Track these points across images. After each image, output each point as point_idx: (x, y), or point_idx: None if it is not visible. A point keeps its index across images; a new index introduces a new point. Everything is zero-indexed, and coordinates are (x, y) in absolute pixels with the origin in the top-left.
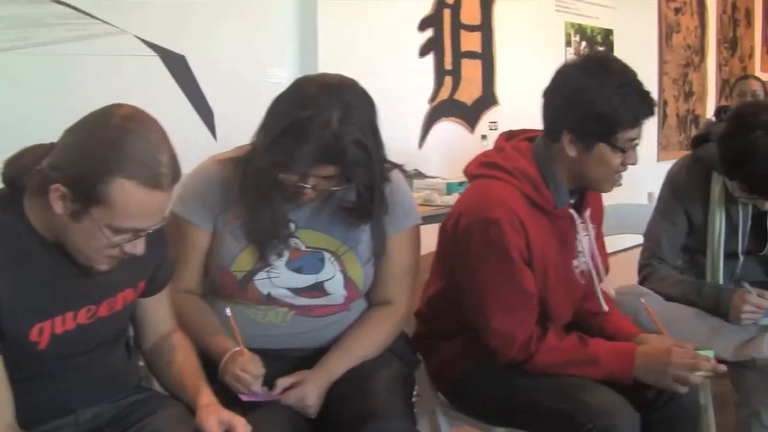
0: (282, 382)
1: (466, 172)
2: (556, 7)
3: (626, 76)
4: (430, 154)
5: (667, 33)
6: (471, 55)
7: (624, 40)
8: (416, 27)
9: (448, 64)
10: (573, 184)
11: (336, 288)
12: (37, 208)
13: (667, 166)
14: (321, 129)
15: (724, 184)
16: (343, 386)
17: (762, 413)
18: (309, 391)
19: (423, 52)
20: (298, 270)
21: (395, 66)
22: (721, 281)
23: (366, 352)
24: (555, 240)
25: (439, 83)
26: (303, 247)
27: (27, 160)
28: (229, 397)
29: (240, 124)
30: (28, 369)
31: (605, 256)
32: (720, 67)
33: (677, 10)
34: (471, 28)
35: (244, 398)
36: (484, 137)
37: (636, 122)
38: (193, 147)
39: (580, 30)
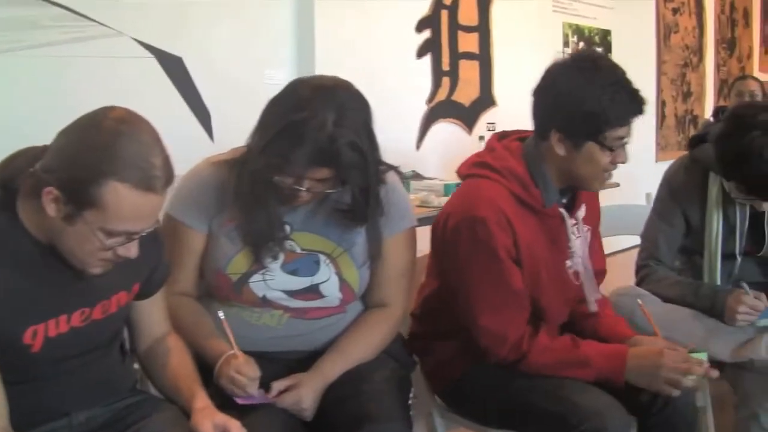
0: (277, 385)
1: (459, 172)
2: (554, 7)
3: (615, 75)
4: (427, 156)
5: (665, 33)
6: (468, 56)
7: (622, 41)
8: (413, 28)
9: (445, 65)
10: (563, 183)
11: (331, 290)
12: (30, 210)
13: (665, 166)
14: (316, 131)
15: (722, 185)
16: (338, 389)
17: (761, 415)
18: (304, 394)
19: (420, 53)
20: (293, 272)
21: (393, 67)
22: (718, 282)
23: (362, 354)
24: (545, 239)
25: (436, 84)
26: (298, 250)
27: (20, 163)
28: (224, 401)
29: (237, 126)
30: (22, 372)
31: (602, 257)
32: (718, 67)
33: (675, 11)
34: (468, 29)
35: (239, 401)
36: (481, 138)
37: (624, 121)
38: (191, 148)
39: (578, 31)
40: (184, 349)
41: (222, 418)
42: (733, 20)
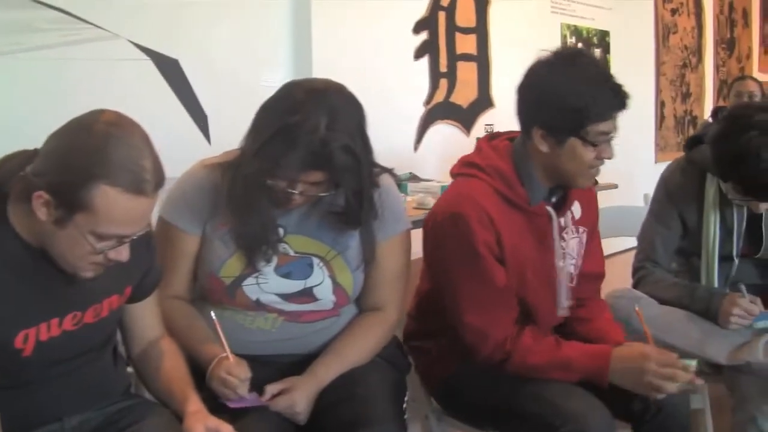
0: (271, 389)
1: (451, 173)
2: (552, 8)
3: (595, 70)
4: (425, 157)
5: (663, 34)
6: (466, 57)
7: (620, 42)
8: (411, 30)
9: (443, 67)
10: (551, 181)
11: (325, 293)
12: (21, 214)
13: (664, 167)
14: (308, 135)
15: (719, 187)
16: (332, 393)
17: (758, 417)
18: (298, 397)
19: (418, 54)
20: (286, 275)
21: (390, 69)
22: (716, 284)
23: (356, 358)
24: (532, 238)
25: (434, 86)
26: (292, 253)
27: (11, 166)
28: (217, 405)
29: (234, 128)
30: (14, 376)
31: (600, 260)
32: (717, 67)
33: (674, 11)
34: (466, 31)
35: (232, 405)
36: None
37: (606, 116)
38: (188, 151)
39: (576, 32)
40: (177, 353)
41: (214, 421)
42: (732, 20)
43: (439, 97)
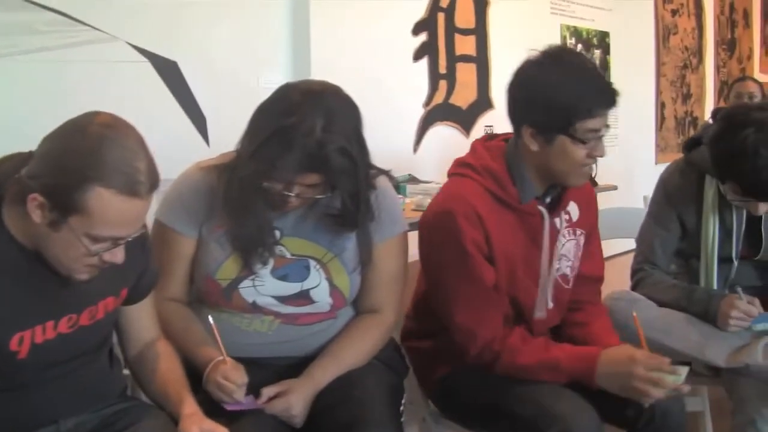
0: (267, 391)
1: (447, 174)
2: (551, 9)
3: (582, 68)
4: (425, 159)
5: (664, 35)
6: (466, 58)
7: (620, 43)
8: (410, 31)
9: (442, 68)
10: (544, 181)
11: (322, 296)
12: (15, 217)
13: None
14: (304, 137)
15: (718, 188)
16: (329, 395)
17: (758, 420)
18: (294, 400)
19: (417, 56)
20: (283, 278)
21: (389, 70)
22: (715, 286)
23: (353, 360)
24: (523, 237)
25: (433, 87)
26: (288, 255)
27: (6, 169)
28: (213, 407)
29: (233, 130)
30: (9, 379)
31: (599, 263)
32: (718, 68)
33: (674, 12)
34: (465, 32)
35: (228, 408)
36: None
37: (593, 112)
38: (187, 153)
39: (576, 33)
40: (173, 355)
41: (210, 424)
42: (732, 21)
43: (439, 98)
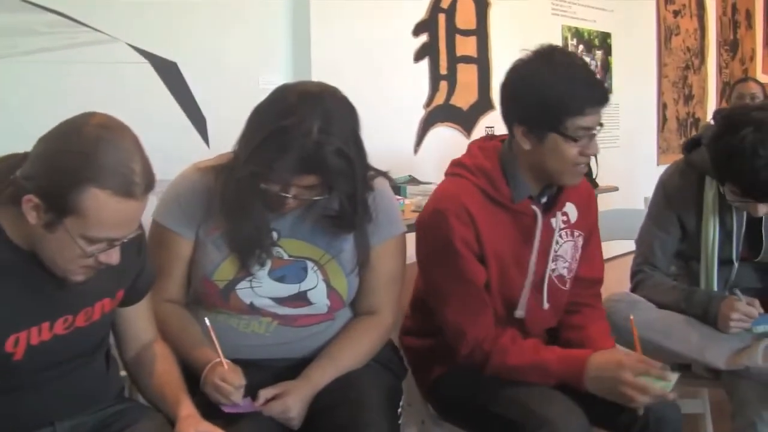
0: (265, 393)
1: (444, 175)
2: (552, 10)
3: (571, 65)
4: (425, 160)
5: (666, 36)
6: (466, 59)
7: (622, 44)
8: (411, 32)
9: (443, 69)
10: (538, 180)
11: (319, 297)
12: (11, 218)
13: None
14: (301, 138)
15: (718, 190)
16: (326, 397)
17: (758, 423)
18: (292, 402)
19: (418, 57)
20: (280, 279)
21: (390, 71)
22: (715, 288)
23: (351, 362)
24: (517, 236)
25: (434, 88)
26: (285, 256)
27: (1, 170)
28: (210, 409)
29: (233, 131)
30: (4, 381)
31: (598, 265)
32: (720, 69)
33: (676, 13)
34: (466, 33)
35: (226, 410)
36: None
37: (583, 110)
38: (186, 153)
39: (577, 34)
40: (170, 357)
41: (207, 426)
42: (735, 22)
43: (439, 99)
